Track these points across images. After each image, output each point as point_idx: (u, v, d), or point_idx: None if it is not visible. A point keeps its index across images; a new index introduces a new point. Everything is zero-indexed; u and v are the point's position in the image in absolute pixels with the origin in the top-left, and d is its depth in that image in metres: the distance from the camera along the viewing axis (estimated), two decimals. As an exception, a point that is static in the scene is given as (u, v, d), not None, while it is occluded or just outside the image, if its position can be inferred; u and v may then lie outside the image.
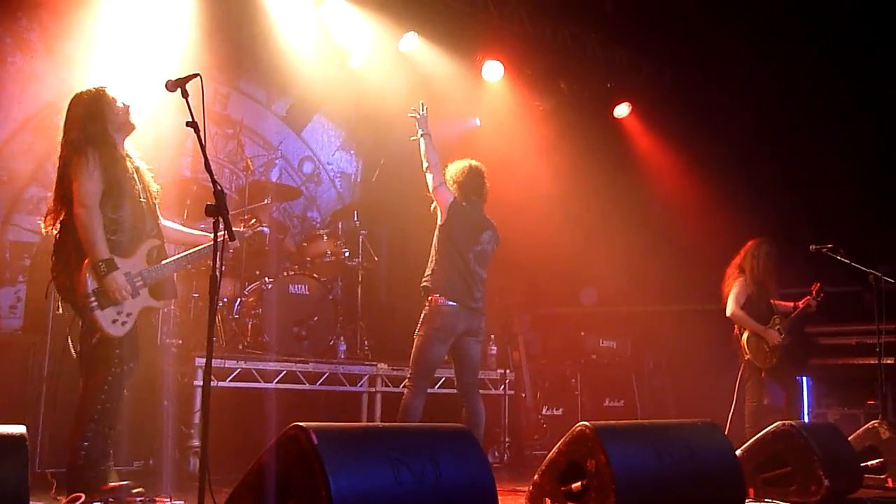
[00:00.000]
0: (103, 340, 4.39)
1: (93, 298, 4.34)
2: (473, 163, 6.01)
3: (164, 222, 4.93)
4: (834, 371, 8.45)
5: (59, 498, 4.28)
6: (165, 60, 7.23)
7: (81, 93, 4.66)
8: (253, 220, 5.50)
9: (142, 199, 4.67)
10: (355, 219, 8.04)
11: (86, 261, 4.34)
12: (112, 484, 4.27)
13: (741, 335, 7.32)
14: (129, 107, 4.71)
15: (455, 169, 5.99)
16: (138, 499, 3.90)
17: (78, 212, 4.38)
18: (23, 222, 7.37)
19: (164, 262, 4.67)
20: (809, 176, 8.81)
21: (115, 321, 4.40)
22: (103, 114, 4.60)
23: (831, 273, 7.59)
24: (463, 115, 9.67)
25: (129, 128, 4.73)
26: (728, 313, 7.34)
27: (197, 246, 4.93)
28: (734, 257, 7.57)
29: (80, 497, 3.90)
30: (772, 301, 7.43)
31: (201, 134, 3.81)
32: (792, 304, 7.41)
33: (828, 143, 8.82)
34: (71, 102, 4.67)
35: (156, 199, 4.86)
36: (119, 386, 4.46)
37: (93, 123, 4.56)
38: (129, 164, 4.68)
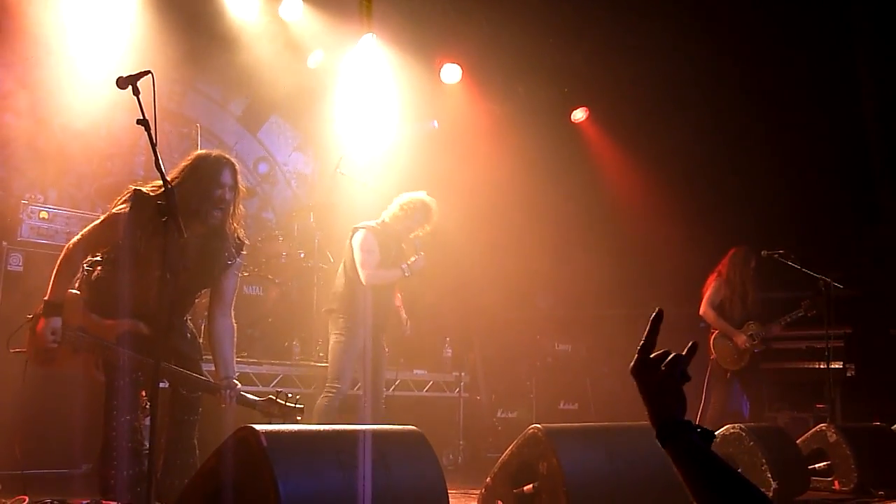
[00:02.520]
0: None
1: (34, 322, 4.28)
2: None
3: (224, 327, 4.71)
4: (784, 375, 8.57)
5: (3, 500, 4.20)
6: (120, 58, 7.13)
7: (210, 153, 4.55)
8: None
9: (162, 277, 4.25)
10: (311, 220, 8.00)
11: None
12: None
13: (710, 335, 7.54)
14: (234, 195, 4.53)
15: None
16: (84, 502, 3.83)
17: (64, 250, 4.34)
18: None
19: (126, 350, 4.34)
20: (765, 182, 8.92)
21: (37, 352, 4.27)
22: (199, 182, 4.38)
23: (783, 278, 7.71)
24: (421, 117, 9.67)
25: (210, 216, 4.47)
26: (700, 311, 7.62)
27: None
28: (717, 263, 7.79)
29: (24, 499, 3.83)
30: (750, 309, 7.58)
31: (152, 132, 3.76)
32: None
33: (784, 150, 8.94)
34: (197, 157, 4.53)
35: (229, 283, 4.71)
36: None
37: (184, 183, 4.32)
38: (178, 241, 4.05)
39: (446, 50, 9.15)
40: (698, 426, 1.89)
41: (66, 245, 4.41)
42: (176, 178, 4.35)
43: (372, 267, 6.13)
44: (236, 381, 4.64)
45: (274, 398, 4.63)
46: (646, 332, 1.97)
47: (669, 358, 1.94)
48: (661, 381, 1.91)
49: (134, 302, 4.34)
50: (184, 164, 4.45)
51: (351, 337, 6.12)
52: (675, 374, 1.92)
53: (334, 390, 6.00)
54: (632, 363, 1.95)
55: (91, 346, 4.30)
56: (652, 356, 1.95)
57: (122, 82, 3.83)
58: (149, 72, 3.81)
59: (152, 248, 4.30)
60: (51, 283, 4.29)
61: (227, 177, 4.50)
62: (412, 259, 6.21)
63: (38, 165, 7.37)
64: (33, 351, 4.31)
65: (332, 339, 6.18)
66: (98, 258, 4.47)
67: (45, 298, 4.27)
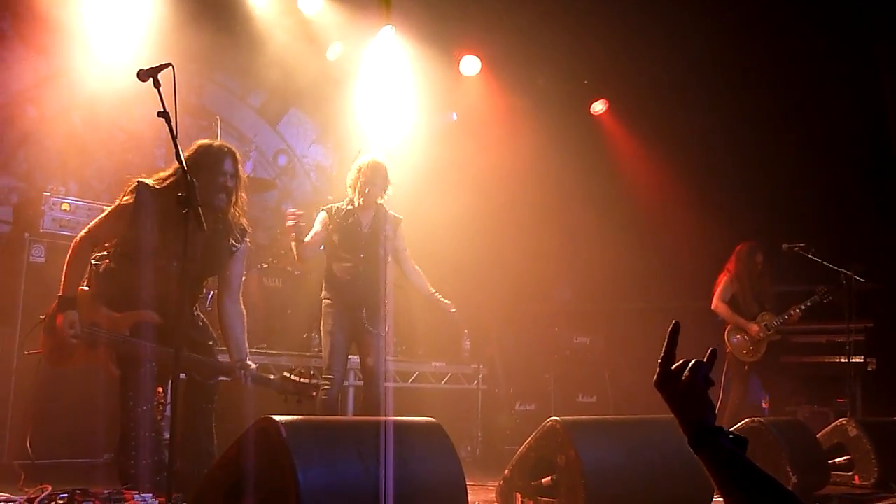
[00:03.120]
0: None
1: (47, 321, 4.35)
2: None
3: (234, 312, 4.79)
4: (804, 369, 8.53)
5: (26, 489, 4.24)
6: (139, 50, 7.17)
7: (212, 143, 4.65)
8: None
9: (174, 271, 4.39)
10: (330, 212, 8.01)
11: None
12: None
13: (724, 330, 7.57)
14: (235, 182, 4.60)
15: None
16: (105, 491, 3.86)
17: (73, 244, 4.41)
18: (-7, 212, 7.29)
19: (139, 341, 4.37)
20: (785, 175, 8.86)
21: (52, 351, 4.37)
22: (202, 172, 4.37)
23: (804, 272, 7.67)
24: (440, 109, 9.67)
25: (218, 199, 4.54)
26: (712, 307, 7.64)
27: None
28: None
29: (46, 488, 3.86)
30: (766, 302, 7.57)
31: (173, 124, 3.78)
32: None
33: (805, 142, 8.88)
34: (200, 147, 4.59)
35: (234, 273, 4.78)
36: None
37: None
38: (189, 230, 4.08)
39: (465, 42, 9.14)
40: (730, 432, 1.92)
41: (74, 240, 4.46)
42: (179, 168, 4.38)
43: (307, 239, 6.06)
44: (250, 362, 4.70)
45: (288, 376, 4.69)
46: (665, 345, 2.01)
47: (690, 365, 1.97)
48: (685, 389, 1.95)
49: (145, 293, 4.38)
50: (186, 154, 4.46)
51: (329, 324, 5.97)
52: (698, 380, 1.96)
53: (327, 383, 5.85)
54: (655, 377, 2.00)
55: (106, 340, 4.35)
56: (673, 367, 1.99)
57: (142, 75, 3.85)
58: (169, 64, 3.84)
59: (161, 238, 4.37)
60: (63, 278, 4.35)
61: (228, 165, 4.58)
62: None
63: (59, 157, 7.42)
64: (48, 350, 4.38)
65: (321, 331, 6.12)
66: (105, 252, 4.53)
67: (59, 294, 4.33)
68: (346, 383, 7.20)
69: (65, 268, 4.37)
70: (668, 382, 1.98)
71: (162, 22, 7.36)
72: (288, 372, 4.73)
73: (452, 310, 6.36)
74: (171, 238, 4.36)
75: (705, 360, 2.00)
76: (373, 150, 6.33)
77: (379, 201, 6.15)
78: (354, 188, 6.09)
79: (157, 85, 3.86)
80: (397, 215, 6.28)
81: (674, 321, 2.02)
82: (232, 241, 4.70)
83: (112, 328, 4.37)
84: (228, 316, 4.78)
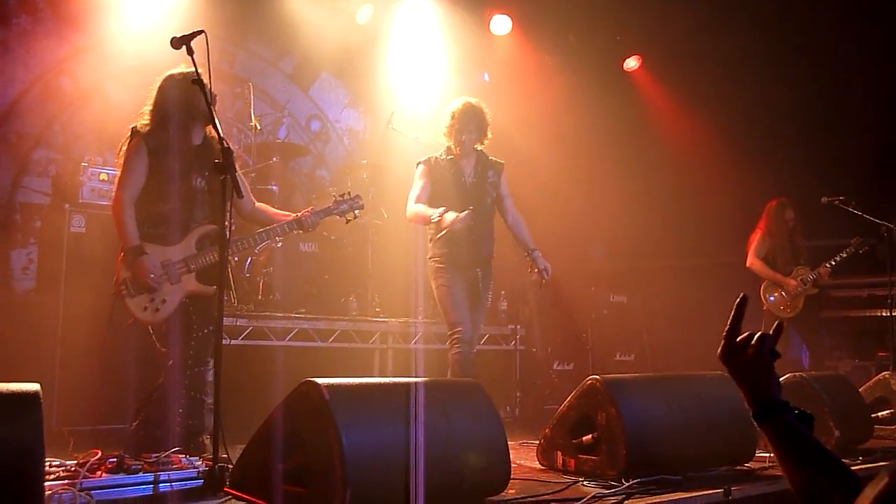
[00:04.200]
0: (138, 324, 4.55)
1: (123, 287, 4.48)
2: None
3: (256, 205, 5.06)
4: (845, 323, 8.46)
5: (76, 455, 4.33)
6: (171, 19, 7.19)
7: (174, 74, 4.64)
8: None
9: (198, 185, 4.68)
10: (364, 176, 8.03)
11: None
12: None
13: (760, 286, 7.53)
14: (216, 96, 4.60)
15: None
16: (153, 455, 3.93)
17: (113, 203, 4.56)
18: (32, 184, 7.37)
19: (213, 248, 4.65)
20: (823, 129, 8.73)
21: (146, 308, 4.52)
22: (189, 99, 4.51)
23: (843, 225, 7.57)
24: (471, 69, 9.60)
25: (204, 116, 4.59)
26: (747, 264, 7.63)
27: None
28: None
29: (96, 453, 3.94)
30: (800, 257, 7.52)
31: (207, 91, 3.79)
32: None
33: (844, 93, 8.73)
34: (163, 82, 4.70)
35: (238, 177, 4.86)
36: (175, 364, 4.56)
37: (174, 108, 4.59)
38: (194, 147, 4.68)
39: (496, 1, 9.04)
40: (796, 408, 1.91)
41: (113, 201, 4.59)
42: (154, 104, 4.66)
43: (412, 201, 5.78)
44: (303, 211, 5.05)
45: (337, 196, 5.23)
46: (731, 317, 2.00)
47: (756, 338, 1.96)
48: (750, 362, 1.95)
49: (189, 215, 4.65)
50: (155, 90, 4.68)
51: (445, 278, 5.68)
52: (763, 352, 1.95)
53: (458, 336, 5.58)
54: (719, 349, 1.99)
55: (183, 269, 4.58)
56: (738, 339, 1.98)
57: (176, 42, 3.88)
58: (202, 31, 3.86)
59: (180, 162, 4.58)
60: (121, 232, 4.50)
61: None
62: (449, 215, 5.52)
63: (95, 128, 7.48)
64: (140, 310, 4.51)
65: (434, 289, 5.81)
66: None
67: (125, 246, 4.48)
68: (385, 345, 7.26)
69: (118, 226, 4.51)
70: (733, 355, 1.97)
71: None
72: (335, 196, 5.24)
73: (546, 277, 6.01)
74: (185, 157, 4.61)
75: (771, 332, 1.98)
76: (465, 95, 5.96)
77: (478, 147, 5.86)
78: (450, 136, 5.80)
79: (190, 52, 3.89)
80: (498, 160, 5.98)
81: (741, 294, 2.00)
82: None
83: (182, 255, 4.59)
84: (258, 212, 5.08)
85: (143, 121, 4.66)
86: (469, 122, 5.75)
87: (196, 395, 4.62)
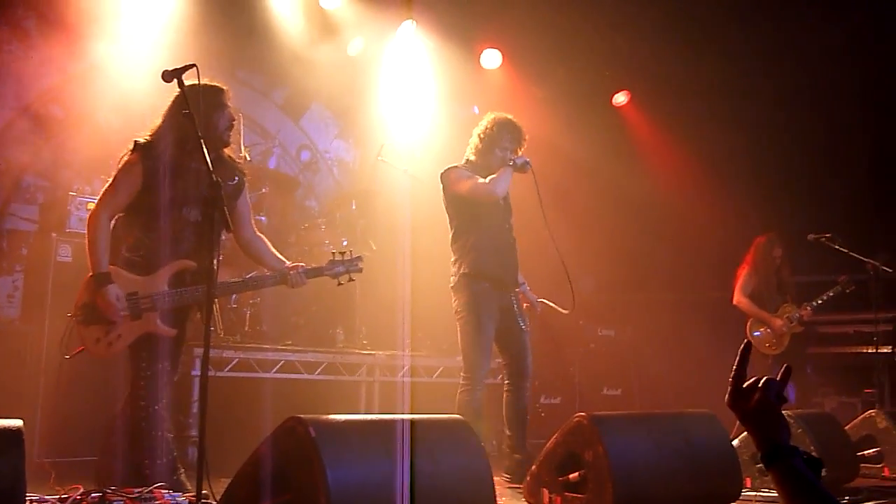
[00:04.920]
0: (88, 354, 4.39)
1: (80, 312, 4.33)
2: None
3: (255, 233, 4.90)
4: (832, 359, 8.48)
5: (57, 488, 4.28)
6: (163, 49, 7.20)
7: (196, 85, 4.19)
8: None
9: (189, 216, 4.46)
10: (353, 207, 8.03)
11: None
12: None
13: (746, 323, 7.56)
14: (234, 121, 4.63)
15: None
16: (136, 490, 3.89)
17: (89, 218, 4.38)
18: (19, 212, 7.34)
19: (186, 289, 4.45)
20: (810, 165, 8.81)
21: (98, 340, 4.34)
22: (213, 107, 4.46)
23: (830, 262, 7.61)
24: (461, 102, 9.65)
25: (221, 141, 4.59)
26: (734, 301, 7.62)
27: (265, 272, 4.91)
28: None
29: (78, 488, 3.90)
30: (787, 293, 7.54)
31: (197, 124, 3.80)
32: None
33: (830, 132, 8.81)
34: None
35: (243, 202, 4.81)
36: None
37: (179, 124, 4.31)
38: (194, 173, 4.36)
39: (486, 35, 9.11)
40: (805, 453, 1.95)
41: (90, 215, 4.40)
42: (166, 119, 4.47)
43: (475, 181, 5.40)
44: (293, 264, 4.84)
45: (333, 256, 4.91)
46: (736, 362, 2.04)
47: (762, 383, 2.00)
48: (757, 407, 1.98)
49: (173, 247, 4.41)
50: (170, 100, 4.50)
51: (474, 312, 5.38)
52: (769, 397, 1.98)
53: (468, 381, 5.36)
54: (727, 395, 2.02)
55: (149, 305, 4.36)
56: (745, 385, 2.01)
57: (167, 76, 3.87)
58: (193, 65, 3.86)
59: (174, 189, 4.37)
60: (91, 256, 4.30)
61: (229, 99, 4.65)
62: (519, 156, 5.38)
63: (84, 156, 7.46)
64: (92, 342, 4.34)
65: (458, 324, 5.48)
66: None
67: (92, 273, 4.28)
68: (372, 378, 7.22)
69: (90, 246, 4.30)
70: (740, 400, 2.00)
71: (184, 21, 7.40)
72: (332, 255, 4.95)
73: (537, 310, 5.89)
74: (181, 185, 4.39)
75: (779, 377, 2.01)
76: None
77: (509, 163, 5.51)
78: (482, 150, 5.62)
79: (181, 86, 3.88)
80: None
81: (745, 340, 2.06)
82: (236, 177, 4.73)
83: (151, 290, 4.37)
84: (253, 244, 4.89)
85: (147, 134, 4.47)
86: (503, 137, 5.58)
87: (157, 433, 4.38)
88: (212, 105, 4.46)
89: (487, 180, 5.42)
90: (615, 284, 9.95)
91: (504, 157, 5.53)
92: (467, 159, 5.68)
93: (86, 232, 4.39)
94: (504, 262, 5.52)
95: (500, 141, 5.57)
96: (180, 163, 4.39)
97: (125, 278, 4.36)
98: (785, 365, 2.06)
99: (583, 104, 9.57)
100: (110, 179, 4.47)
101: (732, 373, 2.01)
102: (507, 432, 5.49)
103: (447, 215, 5.72)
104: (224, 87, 4.61)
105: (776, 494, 1.94)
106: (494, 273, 5.46)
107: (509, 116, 5.65)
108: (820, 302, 7.39)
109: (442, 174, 5.64)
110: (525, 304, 5.84)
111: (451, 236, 5.64)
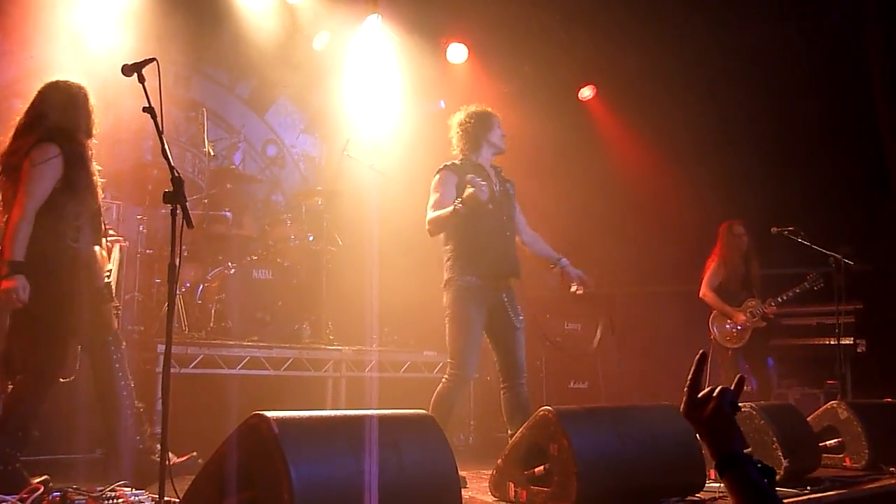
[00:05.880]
0: None
1: None
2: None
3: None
4: (795, 351, 8.57)
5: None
6: (125, 42, 7.12)
7: (59, 82, 4.67)
8: None
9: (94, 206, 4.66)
10: (319, 203, 8.00)
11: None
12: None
13: (710, 315, 7.64)
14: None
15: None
16: (98, 488, 3.86)
17: (17, 209, 4.33)
18: (-19, 206, 7.23)
19: None
20: (775, 157, 8.87)
21: None
22: (87, 111, 4.65)
23: (793, 255, 7.69)
24: (427, 97, 9.64)
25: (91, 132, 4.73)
26: (700, 294, 7.68)
27: None
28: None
29: (39, 487, 3.86)
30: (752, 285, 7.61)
31: (158, 120, 3.76)
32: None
33: (794, 124, 8.89)
34: (47, 88, 4.67)
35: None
36: None
37: (70, 116, 4.59)
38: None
39: (452, 29, 9.11)
40: (759, 461, 1.97)
41: (15, 209, 4.32)
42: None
43: (431, 207, 5.26)
44: None
45: None
46: (691, 373, 2.06)
47: (716, 392, 2.02)
48: (711, 416, 2.00)
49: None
50: (39, 101, 4.69)
51: (462, 308, 5.29)
52: (724, 407, 2.01)
53: (453, 377, 5.28)
54: (682, 404, 2.06)
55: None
56: (700, 395, 2.04)
57: (127, 70, 3.84)
58: (154, 59, 3.82)
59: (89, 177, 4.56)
60: (12, 242, 4.25)
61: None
62: (467, 190, 5.03)
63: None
64: None
65: (446, 319, 5.37)
66: None
67: (8, 258, 4.24)
68: (338, 374, 7.20)
69: (14, 233, 4.26)
70: (695, 410, 2.03)
71: (147, 14, 7.32)
72: None
73: (583, 284, 5.87)
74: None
75: (733, 387, 2.05)
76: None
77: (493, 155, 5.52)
78: (460, 142, 5.48)
79: (141, 80, 3.85)
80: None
81: (700, 351, 2.06)
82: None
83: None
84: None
85: None
86: (489, 131, 5.50)
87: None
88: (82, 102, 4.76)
89: (432, 216, 5.29)
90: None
91: (498, 148, 5.53)
92: (452, 163, 5.49)
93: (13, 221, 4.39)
94: (494, 260, 5.43)
95: (487, 134, 5.49)
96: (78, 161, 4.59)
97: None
98: (739, 376, 2.09)
99: (548, 99, 9.59)
100: (32, 174, 4.44)
101: (687, 383, 2.04)
102: (510, 432, 5.26)
103: None
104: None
105: None
106: (483, 272, 5.36)
107: (484, 108, 5.58)
108: (785, 298, 7.46)
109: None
110: (569, 281, 5.86)
111: (443, 236, 5.48)
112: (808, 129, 8.82)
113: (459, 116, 5.55)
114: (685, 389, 2.05)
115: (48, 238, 4.33)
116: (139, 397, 5.07)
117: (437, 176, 5.40)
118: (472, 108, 5.55)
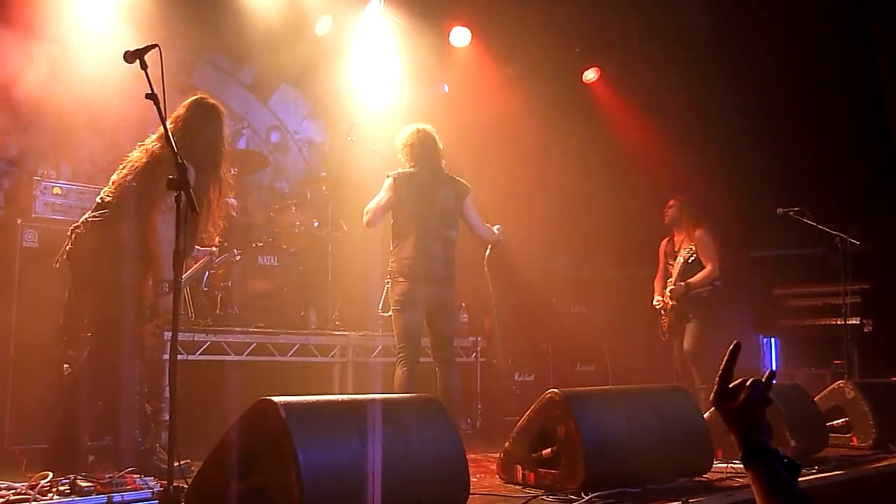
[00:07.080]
0: None
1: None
2: (421, 127, 6.20)
3: None
4: (801, 332, 8.57)
5: (28, 475, 4.25)
6: (128, 29, 7.10)
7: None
8: None
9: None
10: (324, 189, 7.99)
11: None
12: None
13: None
14: None
15: (405, 134, 6.19)
16: (107, 475, 3.87)
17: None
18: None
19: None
20: (781, 137, 8.84)
21: None
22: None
23: (799, 235, 7.67)
24: (431, 81, 9.61)
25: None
26: (717, 273, 7.33)
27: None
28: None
29: (47, 475, 3.87)
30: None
31: (161, 106, 3.75)
32: None
33: (799, 103, 8.86)
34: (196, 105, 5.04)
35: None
36: None
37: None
38: None
39: (455, 13, 9.08)
40: (786, 456, 1.97)
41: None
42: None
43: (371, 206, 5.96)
44: None
45: None
46: (723, 363, 2.05)
47: (748, 384, 2.02)
48: (741, 407, 2.00)
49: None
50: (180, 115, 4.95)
51: (398, 304, 5.84)
52: (755, 399, 2.00)
53: (398, 361, 5.76)
54: (712, 394, 2.05)
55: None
56: (731, 385, 2.03)
57: (129, 56, 3.82)
58: (156, 45, 3.80)
59: None
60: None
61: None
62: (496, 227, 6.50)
63: (49, 141, 7.37)
64: None
65: (391, 304, 5.96)
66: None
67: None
68: (345, 359, 7.22)
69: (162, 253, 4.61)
70: (725, 400, 2.03)
71: (149, 0, 7.29)
72: None
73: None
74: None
75: (764, 378, 2.03)
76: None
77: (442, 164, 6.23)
78: (408, 160, 6.15)
79: (143, 66, 3.82)
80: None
81: (735, 341, 2.06)
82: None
83: None
84: None
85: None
86: (427, 148, 6.11)
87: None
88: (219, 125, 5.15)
89: (368, 210, 6.00)
90: (587, 261, 9.99)
91: (440, 171, 6.20)
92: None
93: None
94: (429, 264, 5.89)
95: (421, 152, 6.15)
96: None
97: None
98: (769, 371, 2.08)
99: (552, 81, 9.57)
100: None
101: (719, 373, 2.04)
102: None
103: None
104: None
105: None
106: (418, 274, 5.85)
107: (415, 127, 6.21)
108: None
109: None
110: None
111: None
112: (815, 107, 8.78)
113: (398, 141, 6.24)
114: (716, 379, 2.04)
115: None
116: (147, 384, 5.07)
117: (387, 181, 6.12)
118: (404, 136, 6.24)
